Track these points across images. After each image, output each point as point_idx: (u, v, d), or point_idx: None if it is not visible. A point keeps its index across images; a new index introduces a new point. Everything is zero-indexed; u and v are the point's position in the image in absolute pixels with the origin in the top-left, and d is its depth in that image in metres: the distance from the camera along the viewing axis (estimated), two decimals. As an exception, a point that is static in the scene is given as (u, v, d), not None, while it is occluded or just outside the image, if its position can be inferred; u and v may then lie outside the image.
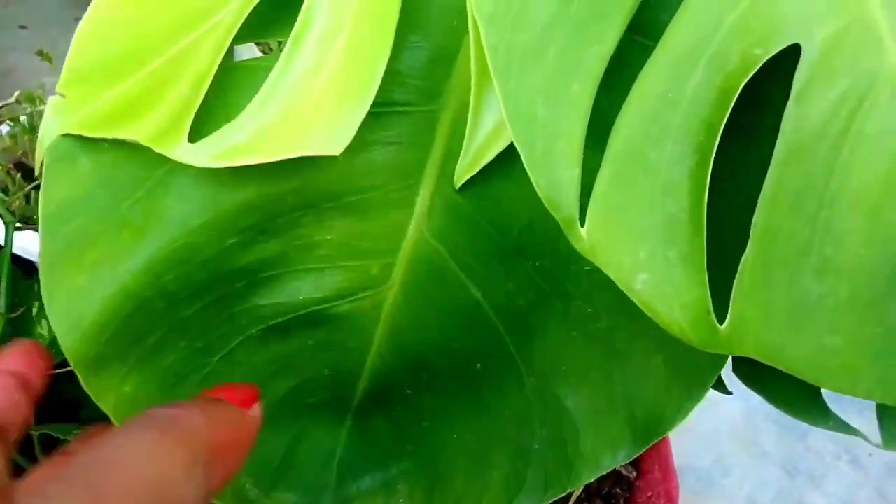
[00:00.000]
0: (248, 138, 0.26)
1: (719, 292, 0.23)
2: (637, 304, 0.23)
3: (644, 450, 0.30)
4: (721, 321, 0.23)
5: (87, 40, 0.29)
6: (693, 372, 0.29)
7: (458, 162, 0.30)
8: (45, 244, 0.28)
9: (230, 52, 0.29)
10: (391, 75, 0.28)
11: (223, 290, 0.29)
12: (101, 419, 0.30)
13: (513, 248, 0.30)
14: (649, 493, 0.68)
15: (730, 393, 0.37)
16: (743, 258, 0.23)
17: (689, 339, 0.23)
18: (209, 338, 0.30)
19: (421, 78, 0.29)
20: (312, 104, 0.27)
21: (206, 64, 0.28)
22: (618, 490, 0.68)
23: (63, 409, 0.51)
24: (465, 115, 0.29)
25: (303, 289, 0.29)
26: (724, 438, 1.04)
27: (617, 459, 0.30)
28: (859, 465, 0.96)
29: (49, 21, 1.14)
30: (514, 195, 0.29)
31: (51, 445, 0.48)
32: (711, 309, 0.23)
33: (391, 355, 0.31)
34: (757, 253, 0.23)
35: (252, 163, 0.26)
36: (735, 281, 0.23)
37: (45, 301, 0.28)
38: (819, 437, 0.90)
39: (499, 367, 0.31)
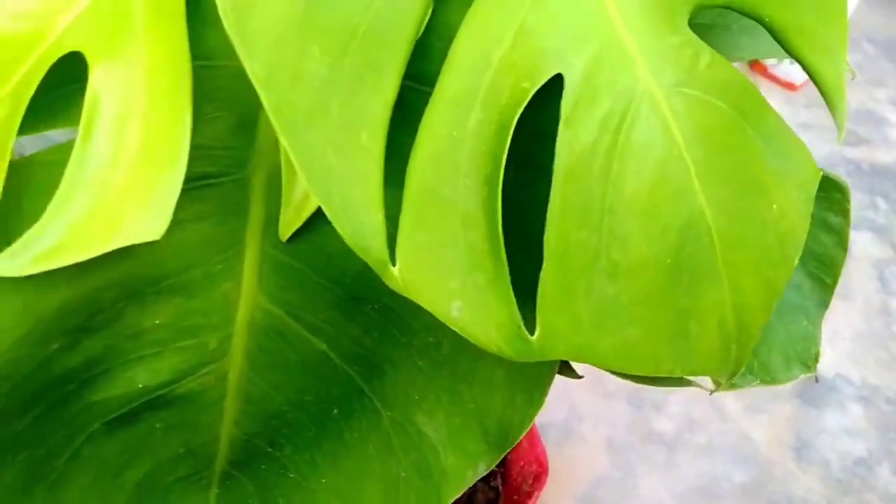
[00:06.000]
0: (60, 238, 0.25)
1: (528, 306, 0.25)
2: (456, 330, 0.24)
3: (500, 458, 0.32)
4: (532, 332, 0.25)
5: None
6: (532, 380, 0.32)
7: (281, 217, 0.30)
8: None
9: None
10: (193, 150, 0.28)
11: (56, 394, 0.28)
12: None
13: (350, 296, 0.31)
14: (521, 463, 0.73)
15: (581, 377, 0.40)
16: (542, 272, 0.25)
17: (506, 354, 0.25)
18: (50, 443, 0.29)
19: (225, 147, 0.29)
20: (119, 192, 0.26)
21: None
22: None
23: None
24: (278, 175, 0.29)
25: (138, 377, 0.29)
26: (573, 387, 1.13)
27: (478, 472, 0.32)
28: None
29: None
30: (343, 246, 0.30)
31: None
32: (522, 324, 0.25)
33: (247, 421, 0.31)
34: (553, 266, 0.25)
35: (68, 263, 0.25)
36: (538, 294, 0.25)
37: None
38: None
39: (355, 407, 0.32)
